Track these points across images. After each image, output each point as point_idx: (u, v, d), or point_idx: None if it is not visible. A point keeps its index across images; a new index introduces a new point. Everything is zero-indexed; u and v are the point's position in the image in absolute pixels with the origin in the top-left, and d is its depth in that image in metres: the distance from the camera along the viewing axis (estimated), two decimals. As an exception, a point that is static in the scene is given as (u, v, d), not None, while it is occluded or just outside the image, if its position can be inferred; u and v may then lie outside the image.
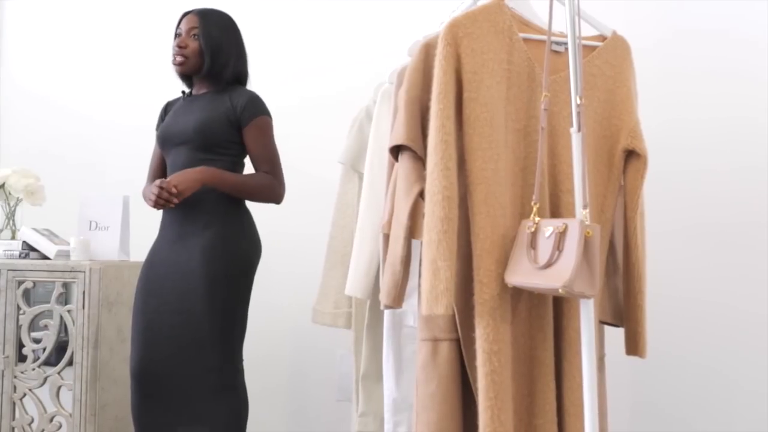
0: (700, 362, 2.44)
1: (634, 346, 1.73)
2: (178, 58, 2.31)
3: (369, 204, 2.10)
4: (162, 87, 2.56)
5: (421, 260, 1.62)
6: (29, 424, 2.55)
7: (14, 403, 2.56)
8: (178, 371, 2.21)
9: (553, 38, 1.67)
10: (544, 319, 1.65)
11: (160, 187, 2.16)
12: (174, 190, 2.17)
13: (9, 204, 2.80)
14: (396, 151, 1.70)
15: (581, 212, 1.51)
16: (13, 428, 2.56)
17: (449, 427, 1.63)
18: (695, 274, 2.46)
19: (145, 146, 2.51)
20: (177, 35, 2.34)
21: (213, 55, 2.30)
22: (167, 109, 2.47)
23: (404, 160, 1.68)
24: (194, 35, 2.30)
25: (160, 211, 2.37)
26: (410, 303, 1.83)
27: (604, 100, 1.74)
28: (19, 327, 2.56)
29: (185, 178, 2.19)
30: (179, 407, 2.22)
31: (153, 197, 2.18)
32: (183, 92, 2.42)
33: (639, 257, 1.72)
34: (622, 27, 1.82)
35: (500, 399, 1.56)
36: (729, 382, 2.41)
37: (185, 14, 2.35)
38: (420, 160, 1.65)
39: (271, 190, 2.29)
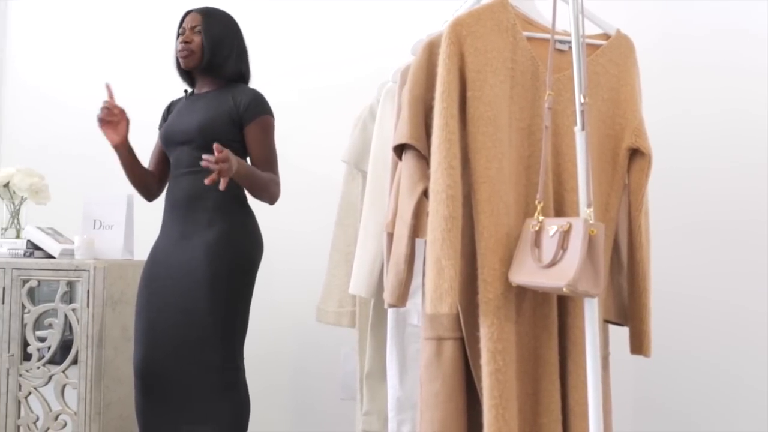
0: (704, 360, 2.44)
1: (638, 345, 1.73)
2: (184, 52, 2.33)
3: (373, 203, 2.10)
4: (166, 86, 2.57)
5: (425, 259, 1.62)
6: (34, 423, 2.56)
7: (19, 402, 2.57)
8: (181, 370, 2.21)
9: (557, 37, 1.66)
10: (549, 318, 1.65)
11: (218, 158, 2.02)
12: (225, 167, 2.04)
13: (13, 203, 2.81)
14: (400, 149, 1.70)
15: (585, 211, 1.51)
16: (18, 426, 2.57)
17: (453, 426, 1.63)
18: (699, 272, 2.45)
19: (150, 145, 2.51)
20: (180, 33, 2.36)
21: (213, 49, 2.32)
22: (170, 108, 2.48)
23: (408, 159, 1.68)
24: (197, 31, 2.32)
25: (163, 210, 2.38)
26: (414, 302, 1.83)
27: (608, 99, 1.74)
28: (23, 326, 2.57)
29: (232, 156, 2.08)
30: (182, 406, 2.22)
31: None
32: (186, 91, 2.43)
33: (643, 256, 1.72)
34: (625, 25, 1.81)
35: (505, 398, 1.56)
36: (733, 380, 2.40)
37: (188, 13, 2.38)
38: (424, 158, 1.65)
39: (276, 188, 2.31)
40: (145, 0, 3.46)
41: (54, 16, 3.69)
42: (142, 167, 2.44)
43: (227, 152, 2.05)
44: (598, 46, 1.75)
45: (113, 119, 2.32)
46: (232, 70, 2.36)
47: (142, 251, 2.57)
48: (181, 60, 2.36)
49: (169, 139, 2.35)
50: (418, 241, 1.67)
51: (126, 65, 3.46)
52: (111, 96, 2.34)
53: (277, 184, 2.30)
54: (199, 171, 2.19)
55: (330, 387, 2.92)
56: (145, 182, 2.44)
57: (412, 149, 1.66)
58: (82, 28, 3.60)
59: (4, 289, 2.59)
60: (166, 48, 2.49)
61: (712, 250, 2.45)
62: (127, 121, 2.36)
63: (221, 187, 2.05)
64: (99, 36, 3.56)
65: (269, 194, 2.29)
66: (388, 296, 1.71)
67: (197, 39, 2.33)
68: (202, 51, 2.33)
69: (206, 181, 2.05)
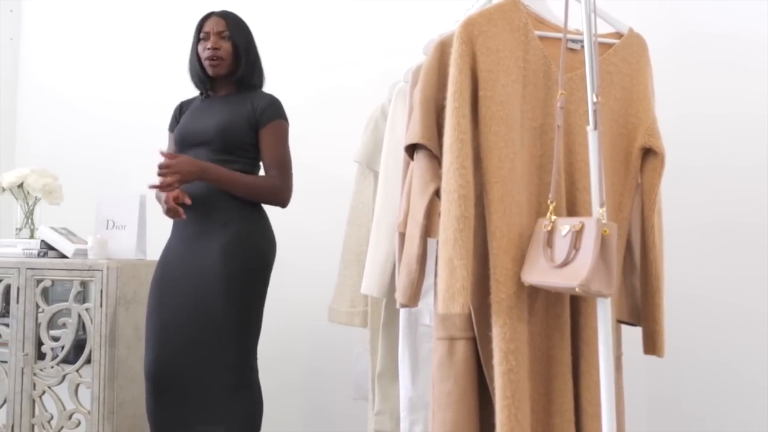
0: (717, 361, 2.42)
1: (652, 345, 1.72)
2: (214, 61, 2.32)
3: (384, 203, 2.10)
4: (177, 87, 2.58)
5: (437, 259, 1.62)
6: (48, 422, 2.58)
7: (34, 401, 2.59)
8: (195, 370, 2.22)
9: (569, 36, 1.66)
10: (561, 318, 1.65)
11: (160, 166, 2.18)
12: (167, 170, 2.17)
13: (28, 203, 2.83)
14: (411, 149, 1.70)
15: (598, 210, 1.51)
16: (33, 425, 2.59)
17: (466, 426, 1.62)
18: (712, 272, 2.44)
19: (162, 138, 2.52)
20: (203, 38, 2.34)
21: (246, 56, 2.33)
22: (182, 109, 2.48)
23: (420, 159, 1.68)
24: (225, 37, 2.32)
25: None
26: (426, 302, 1.82)
27: (620, 98, 1.73)
28: (38, 325, 2.59)
29: (187, 162, 2.21)
30: (195, 406, 2.23)
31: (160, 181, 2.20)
32: (201, 93, 2.43)
33: (656, 256, 1.71)
34: (638, 24, 1.81)
35: (517, 398, 1.55)
36: (747, 381, 2.38)
37: (208, 16, 2.36)
38: (435, 158, 1.65)
39: (279, 193, 2.30)
40: (157, 4, 3.48)
41: (67, 21, 3.71)
42: None
43: (180, 160, 2.15)
44: (610, 45, 1.74)
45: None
46: (254, 78, 2.37)
47: (154, 251, 2.58)
48: (209, 68, 2.33)
49: (184, 140, 2.35)
50: (430, 241, 1.67)
51: (138, 68, 3.48)
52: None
53: (274, 190, 2.29)
54: None
55: (342, 387, 2.93)
56: None
57: (424, 149, 1.66)
58: (95, 33, 3.63)
59: (18, 288, 2.61)
60: (179, 51, 2.50)
61: (725, 250, 2.43)
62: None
63: (172, 194, 2.15)
64: (111, 40, 3.58)
65: (266, 200, 2.30)
66: (400, 296, 1.71)
67: (226, 45, 2.32)
68: (234, 59, 2.32)
69: (171, 197, 2.16)
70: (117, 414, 2.49)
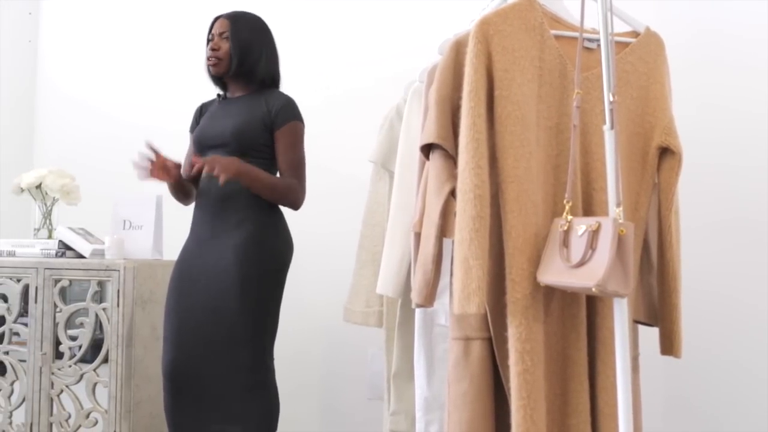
0: (734, 361, 2.40)
1: (669, 345, 1.71)
2: (212, 60, 2.34)
3: (400, 203, 2.10)
4: (195, 89, 2.59)
5: (452, 259, 1.62)
6: (66, 420, 2.59)
7: (52, 399, 2.61)
8: (211, 370, 2.22)
9: (586, 35, 1.65)
10: (577, 318, 1.64)
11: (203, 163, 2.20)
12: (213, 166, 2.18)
13: (46, 204, 2.85)
14: (427, 149, 1.70)
15: (615, 210, 1.50)
16: (51, 424, 2.61)
17: (481, 427, 1.62)
18: (730, 270, 2.42)
19: (178, 147, 2.53)
20: (209, 40, 2.37)
21: (241, 55, 2.33)
22: (202, 111, 2.49)
23: (435, 159, 1.67)
24: (225, 37, 2.33)
25: (192, 211, 2.39)
26: (442, 302, 1.82)
27: (637, 97, 1.72)
28: (56, 324, 2.61)
29: (228, 161, 2.21)
30: (212, 406, 2.24)
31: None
32: (218, 95, 2.44)
33: (674, 256, 1.70)
34: (655, 23, 1.80)
35: (533, 398, 1.55)
36: (763, 381, 2.36)
37: (216, 19, 2.38)
38: (451, 158, 1.65)
39: (295, 194, 2.31)
40: (177, 7, 3.50)
41: (85, 24, 3.74)
42: (188, 184, 2.44)
43: (211, 159, 2.17)
44: (627, 44, 1.73)
45: (160, 168, 2.31)
46: (263, 74, 2.37)
47: (170, 251, 2.60)
48: (209, 67, 2.37)
49: (202, 143, 2.37)
50: (446, 241, 1.67)
51: (154, 71, 3.50)
52: (155, 152, 2.31)
53: (291, 191, 2.30)
54: None
55: (357, 387, 2.93)
56: (188, 193, 2.46)
57: (440, 149, 1.66)
58: (113, 35, 3.65)
59: (36, 288, 2.63)
60: (197, 54, 2.51)
61: (742, 249, 2.41)
62: (176, 164, 2.35)
63: (221, 181, 2.16)
64: (129, 42, 3.60)
65: (285, 200, 2.30)
66: (415, 296, 1.71)
67: (225, 46, 2.34)
68: (230, 58, 2.33)
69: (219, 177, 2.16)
70: (134, 413, 2.50)
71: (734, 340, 2.41)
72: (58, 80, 3.78)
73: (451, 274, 1.62)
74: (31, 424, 2.62)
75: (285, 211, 2.38)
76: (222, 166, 2.16)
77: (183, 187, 2.42)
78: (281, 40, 2.45)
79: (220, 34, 2.35)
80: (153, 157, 2.29)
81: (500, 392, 1.64)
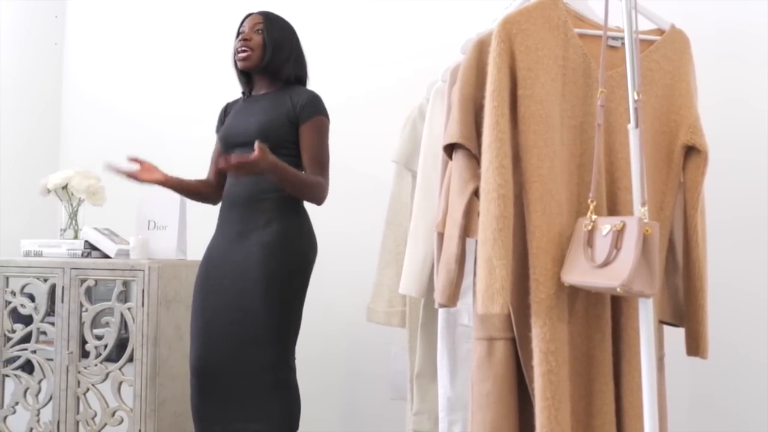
0: (760, 360, 2.37)
1: (695, 346, 1.70)
2: (242, 51, 2.34)
3: (423, 202, 2.09)
4: (219, 91, 2.61)
5: (476, 259, 1.61)
6: (92, 418, 2.62)
7: (78, 398, 2.64)
8: (235, 368, 2.24)
9: (610, 33, 1.64)
10: (602, 318, 1.63)
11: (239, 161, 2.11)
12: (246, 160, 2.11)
13: (72, 204, 2.88)
14: (450, 149, 1.70)
15: (640, 210, 1.49)
16: (77, 422, 2.64)
17: (505, 427, 1.61)
18: (756, 268, 2.39)
19: (200, 151, 2.55)
20: (240, 33, 2.38)
21: (275, 49, 2.34)
22: (227, 110, 2.51)
23: (458, 159, 1.67)
24: (258, 30, 2.35)
25: (217, 211, 2.41)
26: (465, 302, 1.82)
27: (662, 96, 1.71)
28: (82, 324, 2.63)
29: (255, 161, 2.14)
30: (236, 404, 2.25)
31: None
32: (243, 93, 2.46)
33: (699, 255, 1.68)
34: (680, 20, 1.78)
35: (557, 399, 1.54)
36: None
37: (248, 15, 2.40)
38: (474, 158, 1.64)
39: (320, 190, 2.30)
40: (198, 12, 3.52)
41: (110, 26, 3.78)
42: (194, 184, 2.47)
43: (257, 154, 2.07)
44: (651, 42, 1.72)
45: (143, 170, 2.38)
46: (289, 73, 2.38)
47: (194, 251, 2.61)
48: (238, 61, 2.36)
49: (228, 141, 2.38)
50: (469, 241, 1.67)
51: (180, 74, 3.53)
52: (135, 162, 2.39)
53: (319, 187, 2.29)
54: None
55: (380, 387, 2.93)
56: (202, 194, 2.47)
57: (463, 148, 1.66)
58: (138, 38, 3.69)
59: (63, 288, 2.66)
60: (219, 56, 2.52)
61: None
62: (154, 166, 2.41)
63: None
64: (154, 45, 3.64)
65: (311, 196, 2.30)
66: (438, 296, 1.71)
67: (257, 38, 2.35)
68: (263, 50, 2.34)
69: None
70: (158, 412, 2.52)
71: (760, 340, 2.38)
72: (83, 82, 3.82)
73: (475, 274, 1.61)
74: (58, 422, 2.65)
75: (309, 210, 2.38)
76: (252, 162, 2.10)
77: (187, 189, 2.46)
78: (304, 40, 2.46)
79: (253, 27, 2.36)
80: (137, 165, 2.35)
81: (524, 393, 1.63)
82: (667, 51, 1.72)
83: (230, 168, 2.12)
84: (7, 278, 2.81)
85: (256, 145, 2.08)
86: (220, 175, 2.45)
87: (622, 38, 1.57)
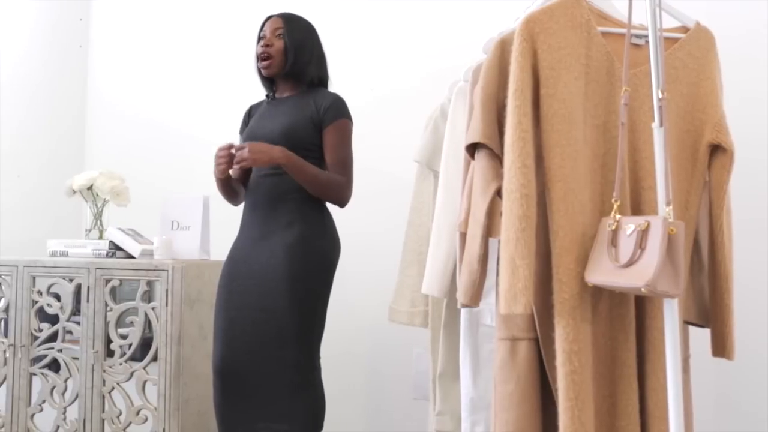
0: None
1: (721, 347, 1.68)
2: (264, 57, 2.35)
3: (445, 202, 2.09)
4: (242, 93, 2.62)
5: (498, 259, 1.61)
6: (117, 417, 2.64)
7: (103, 396, 2.66)
8: (259, 368, 2.24)
9: (633, 31, 1.63)
10: (626, 318, 1.62)
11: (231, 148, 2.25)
12: (245, 154, 2.20)
13: (96, 205, 2.91)
14: (472, 149, 1.69)
15: (664, 209, 1.47)
16: (103, 420, 2.66)
17: (528, 428, 1.61)
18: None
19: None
20: (261, 37, 2.38)
21: (297, 52, 2.35)
22: (251, 112, 2.52)
23: (481, 158, 1.67)
24: (279, 35, 2.35)
25: (240, 212, 2.42)
26: (487, 302, 1.81)
27: (687, 94, 1.69)
28: (106, 323, 2.66)
29: (262, 147, 2.23)
30: (259, 404, 2.26)
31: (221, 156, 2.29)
32: (267, 95, 2.46)
33: (725, 255, 1.66)
34: (705, 18, 1.76)
35: (581, 400, 1.53)
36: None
37: (268, 18, 2.41)
38: (497, 157, 1.64)
39: (341, 190, 2.31)
40: (222, 14, 3.54)
41: (135, 29, 3.82)
42: (236, 182, 2.46)
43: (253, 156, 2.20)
44: (676, 40, 1.70)
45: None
46: (312, 75, 2.38)
47: (217, 252, 2.63)
48: (262, 68, 2.37)
49: None
50: (492, 241, 1.66)
51: (204, 76, 3.56)
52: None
53: (340, 186, 2.30)
54: (282, 173, 2.26)
55: (402, 387, 2.93)
56: (235, 191, 2.48)
57: (485, 148, 1.65)
58: (162, 41, 3.72)
59: (88, 288, 2.68)
60: (242, 59, 2.53)
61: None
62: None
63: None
64: (178, 47, 3.67)
65: (332, 195, 2.31)
66: (461, 296, 1.71)
67: (278, 43, 2.35)
68: (284, 55, 2.35)
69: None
70: (182, 411, 2.54)
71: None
72: (107, 84, 3.86)
73: (497, 274, 1.61)
74: (84, 420, 2.68)
75: (331, 211, 2.39)
76: (252, 155, 2.20)
77: (231, 183, 2.44)
78: (325, 41, 2.47)
79: (274, 31, 2.37)
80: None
81: (547, 393, 1.62)
82: (692, 49, 1.71)
83: (245, 153, 2.20)
84: (34, 278, 2.84)
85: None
86: (243, 176, 2.46)
87: (646, 36, 1.56)
